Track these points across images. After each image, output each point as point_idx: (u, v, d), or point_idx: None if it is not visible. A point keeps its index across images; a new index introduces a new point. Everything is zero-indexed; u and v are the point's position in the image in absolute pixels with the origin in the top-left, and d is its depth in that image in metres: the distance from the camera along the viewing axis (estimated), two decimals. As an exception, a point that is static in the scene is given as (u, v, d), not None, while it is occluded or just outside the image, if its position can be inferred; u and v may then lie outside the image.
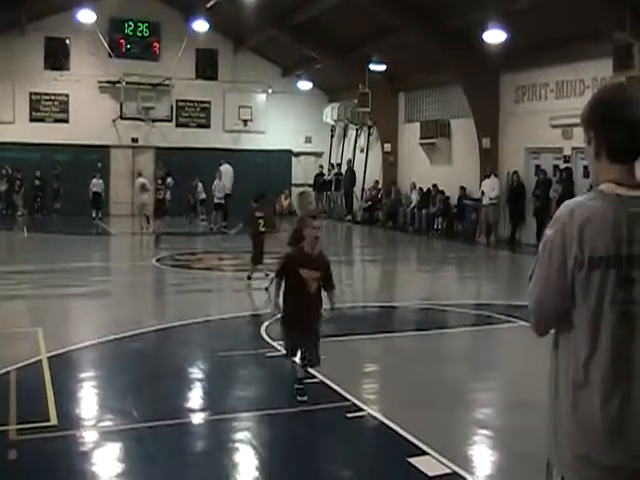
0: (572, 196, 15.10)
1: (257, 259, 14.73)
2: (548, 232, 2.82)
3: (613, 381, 2.72)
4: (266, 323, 11.13)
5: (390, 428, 6.84)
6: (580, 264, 2.72)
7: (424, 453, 6.23)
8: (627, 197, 2.71)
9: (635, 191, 2.73)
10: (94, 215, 28.68)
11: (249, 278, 14.99)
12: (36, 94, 31.61)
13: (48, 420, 6.85)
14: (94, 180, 28.88)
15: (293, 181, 35.21)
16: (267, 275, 14.17)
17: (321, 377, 8.36)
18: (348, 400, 7.62)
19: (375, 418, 7.16)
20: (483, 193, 24.21)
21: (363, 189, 32.53)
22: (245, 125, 34.57)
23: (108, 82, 32.05)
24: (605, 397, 2.72)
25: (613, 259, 2.69)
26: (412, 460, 6.10)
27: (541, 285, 2.89)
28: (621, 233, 2.69)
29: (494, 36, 20.59)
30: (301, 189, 13.01)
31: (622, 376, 2.72)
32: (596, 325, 2.73)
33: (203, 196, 29.55)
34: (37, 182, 30.91)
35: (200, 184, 29.50)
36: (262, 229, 14.73)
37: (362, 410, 7.34)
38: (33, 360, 8.84)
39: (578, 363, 2.78)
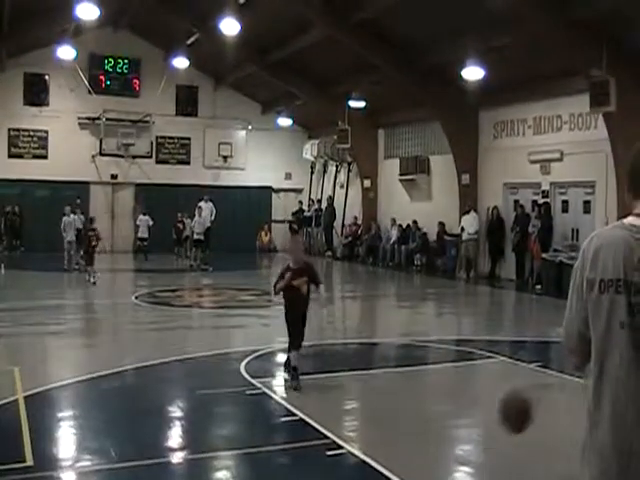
0: (551, 231, 15.45)
1: (89, 262, 21.21)
2: (575, 264, 2.98)
3: (622, 405, 2.77)
4: (246, 360, 11.08)
5: (370, 466, 6.79)
6: (591, 285, 2.83)
7: (405, 491, 6.18)
8: None
9: None
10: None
11: (89, 275, 20.95)
12: (15, 130, 31.52)
13: (24, 461, 6.74)
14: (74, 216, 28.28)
15: (273, 217, 35.25)
16: (89, 272, 21.06)
17: (301, 415, 8.31)
18: (328, 438, 7.56)
19: (355, 456, 7.10)
20: (463, 229, 24.30)
21: (343, 225, 32.58)
22: (225, 161, 34.59)
23: (88, 118, 32.04)
24: (615, 421, 2.78)
25: (622, 284, 2.77)
26: (393, 499, 6.05)
27: (567, 311, 3.00)
28: (631, 260, 2.77)
29: (472, 73, 20.79)
30: (294, 236, 14.12)
31: (630, 400, 2.76)
32: (605, 349, 2.81)
33: (187, 232, 29.00)
34: (16, 218, 30.64)
35: (188, 220, 29.10)
36: (94, 243, 21.43)
37: (342, 448, 7.28)
38: (9, 400, 8.72)
39: (592, 387, 2.86)
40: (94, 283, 20.74)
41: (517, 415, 3.20)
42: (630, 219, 2.87)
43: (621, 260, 2.79)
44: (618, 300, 2.78)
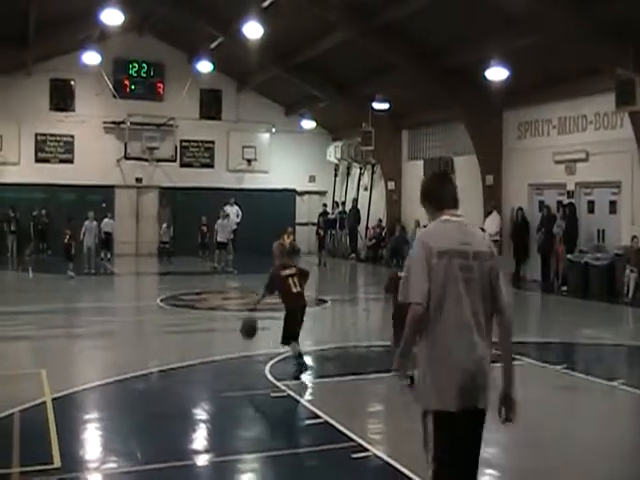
0: (576, 232, 15.81)
1: (69, 259, 23.58)
2: (412, 250, 4.54)
3: (458, 333, 4.40)
4: (270, 363, 11.10)
5: (395, 468, 6.78)
6: (432, 255, 4.42)
7: (430, 494, 6.14)
8: (455, 221, 4.66)
9: (458, 218, 4.68)
10: (102, 256, 28.31)
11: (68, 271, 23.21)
12: (41, 135, 31.81)
13: (52, 462, 6.80)
14: (106, 220, 28.41)
15: (297, 220, 35.20)
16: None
17: (326, 417, 8.31)
18: (353, 440, 7.56)
19: (380, 458, 7.09)
20: (484, 230, 24.17)
21: (367, 227, 32.55)
22: (249, 164, 34.68)
23: (113, 122, 32.27)
24: (454, 344, 4.40)
25: (453, 252, 4.45)
26: (418, 501, 6.03)
27: (414, 276, 4.42)
28: (457, 237, 4.53)
29: (496, 74, 20.70)
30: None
31: (464, 328, 4.41)
32: (443, 293, 4.39)
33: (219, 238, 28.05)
34: (45, 220, 30.84)
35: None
36: (66, 241, 23.85)
37: (367, 450, 7.28)
38: (37, 402, 8.79)
39: (433, 323, 4.39)
40: (71, 277, 22.96)
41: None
42: (446, 217, 4.65)
43: (450, 238, 4.50)
44: (452, 262, 4.43)
